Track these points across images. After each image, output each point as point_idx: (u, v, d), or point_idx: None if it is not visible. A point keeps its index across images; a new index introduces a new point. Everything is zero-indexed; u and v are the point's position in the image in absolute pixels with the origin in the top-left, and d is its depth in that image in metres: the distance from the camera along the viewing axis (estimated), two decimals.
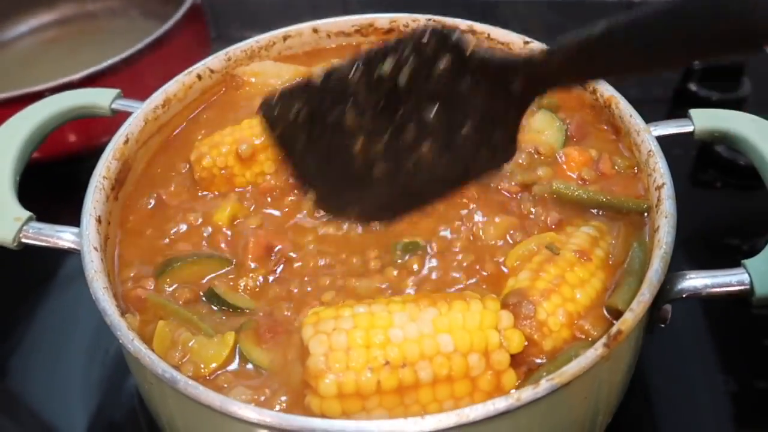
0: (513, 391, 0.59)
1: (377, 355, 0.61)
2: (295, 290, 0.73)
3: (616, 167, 0.82)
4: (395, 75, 0.66)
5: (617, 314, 0.65)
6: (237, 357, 0.68)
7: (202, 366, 0.66)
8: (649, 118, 0.84)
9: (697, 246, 1.10)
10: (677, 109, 1.34)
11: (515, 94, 0.66)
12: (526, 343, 0.64)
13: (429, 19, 1.00)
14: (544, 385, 0.57)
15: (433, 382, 0.61)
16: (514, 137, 0.69)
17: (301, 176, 0.71)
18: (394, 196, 0.70)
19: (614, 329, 0.61)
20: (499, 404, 0.57)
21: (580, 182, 0.80)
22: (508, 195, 0.80)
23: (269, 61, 0.99)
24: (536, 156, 0.84)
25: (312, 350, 0.61)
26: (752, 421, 0.90)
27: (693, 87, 1.30)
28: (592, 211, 0.78)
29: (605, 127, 0.87)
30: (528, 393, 0.57)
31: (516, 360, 0.64)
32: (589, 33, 0.59)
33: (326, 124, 0.69)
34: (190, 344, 0.67)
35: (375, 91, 0.67)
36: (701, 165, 1.21)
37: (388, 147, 0.67)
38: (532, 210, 0.78)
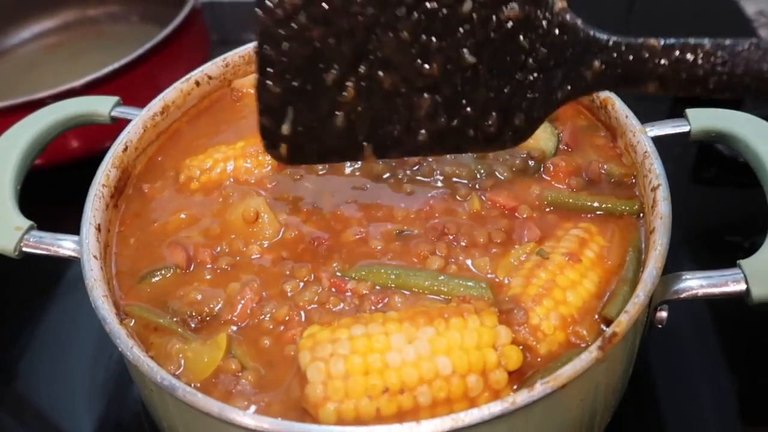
0: (508, 395, 0.59)
1: (376, 383, 0.60)
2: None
3: (605, 174, 0.81)
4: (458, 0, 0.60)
5: (611, 324, 0.64)
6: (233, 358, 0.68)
7: (199, 375, 0.67)
8: (649, 117, 0.84)
9: (699, 244, 1.10)
10: (677, 108, 1.33)
11: (582, 77, 0.61)
12: (527, 357, 0.65)
13: None
14: (539, 388, 0.58)
15: (432, 405, 0.61)
16: (538, 123, 0.65)
17: (282, 104, 0.65)
18: (384, 132, 0.65)
19: (609, 331, 0.61)
20: (494, 408, 0.57)
21: (570, 190, 0.80)
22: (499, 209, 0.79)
23: None
24: (529, 161, 0.83)
25: (310, 378, 0.61)
26: (756, 419, 0.90)
27: None
28: (584, 215, 0.78)
29: (602, 134, 0.87)
30: (523, 396, 0.58)
31: (514, 376, 0.64)
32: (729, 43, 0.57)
33: (339, 29, 0.61)
34: (183, 354, 0.67)
35: (424, 6, 0.60)
36: (702, 163, 1.20)
37: (404, 77, 0.62)
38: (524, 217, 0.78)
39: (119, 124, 0.91)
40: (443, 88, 0.64)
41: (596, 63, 0.61)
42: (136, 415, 0.93)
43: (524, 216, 0.78)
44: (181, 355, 0.68)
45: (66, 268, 1.11)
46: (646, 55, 0.60)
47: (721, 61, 0.58)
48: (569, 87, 0.63)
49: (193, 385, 0.66)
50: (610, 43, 0.61)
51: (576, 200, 0.78)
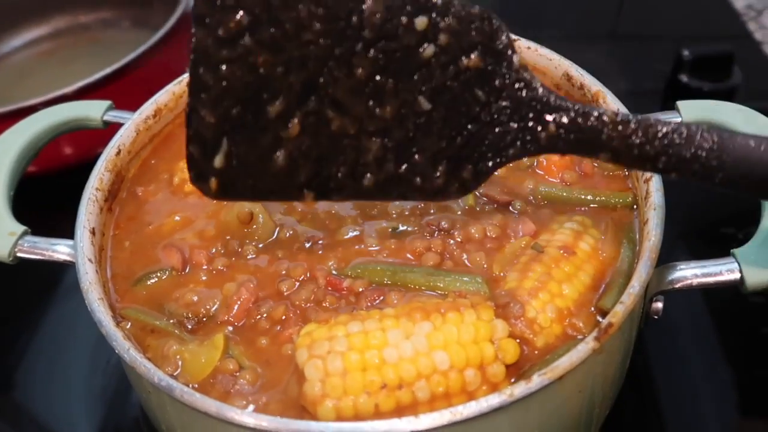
0: (506, 387, 0.59)
1: (374, 379, 0.61)
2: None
3: (598, 167, 0.82)
4: (420, 42, 0.57)
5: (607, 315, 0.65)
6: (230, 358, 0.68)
7: (196, 376, 0.67)
8: (641, 110, 0.84)
9: (694, 236, 1.10)
10: (669, 101, 1.34)
11: (536, 137, 0.60)
12: (525, 350, 0.65)
13: None
14: (537, 380, 0.58)
15: (431, 400, 0.62)
16: (485, 177, 0.63)
17: (213, 135, 0.59)
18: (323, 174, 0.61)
19: (605, 322, 0.62)
20: (493, 401, 0.57)
21: (563, 184, 0.81)
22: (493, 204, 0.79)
23: None
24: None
25: (308, 375, 0.61)
26: (753, 409, 0.91)
27: (684, 78, 1.31)
28: (578, 209, 0.78)
29: None
30: (521, 389, 0.58)
31: (511, 369, 0.64)
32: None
33: (289, 58, 0.56)
34: (180, 355, 0.67)
35: (383, 44, 0.57)
36: None
37: (354, 117, 0.59)
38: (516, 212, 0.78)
39: (111, 129, 0.91)
40: (394, 133, 0.61)
41: (552, 126, 0.60)
42: (135, 420, 0.93)
43: (518, 210, 0.78)
44: (178, 357, 0.68)
45: (61, 274, 1.11)
46: (601, 126, 0.59)
47: (671, 144, 0.58)
48: (520, 145, 0.61)
49: (191, 386, 0.66)
50: (568, 108, 0.60)
51: (570, 194, 0.79)
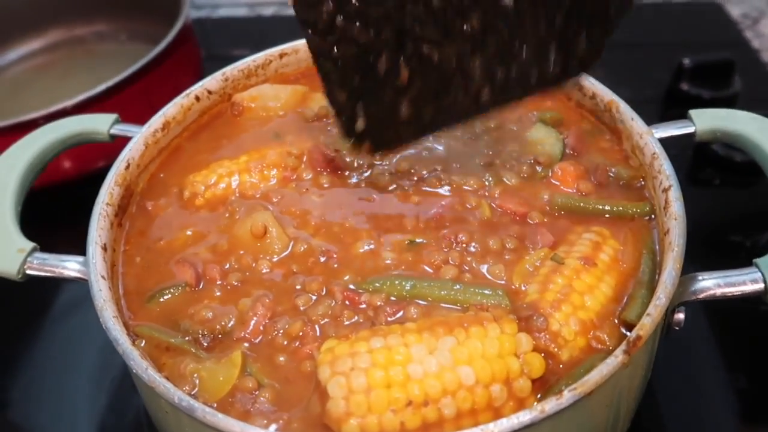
0: (536, 403, 0.59)
1: (399, 396, 0.59)
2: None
3: (613, 176, 0.82)
4: None
5: (631, 327, 0.64)
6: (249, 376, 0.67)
7: (215, 395, 0.65)
8: (643, 118, 0.84)
9: (701, 245, 1.09)
10: (670, 109, 1.35)
11: None
12: (549, 363, 0.64)
13: None
14: (567, 395, 0.57)
15: (457, 417, 0.60)
16: (602, 43, 0.65)
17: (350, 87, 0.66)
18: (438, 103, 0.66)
19: (633, 335, 0.61)
20: (524, 417, 0.56)
21: (579, 194, 0.80)
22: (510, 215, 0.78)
23: (266, 84, 0.98)
24: (536, 167, 0.83)
25: (331, 393, 0.60)
26: (762, 417, 0.90)
27: (685, 86, 1.32)
28: (595, 219, 0.77)
29: (607, 137, 0.87)
30: (552, 404, 0.57)
31: (536, 384, 0.63)
32: None
33: (375, 18, 0.63)
34: (197, 374, 0.66)
35: None
36: (699, 164, 1.21)
37: (446, 44, 0.64)
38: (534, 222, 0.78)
39: (114, 143, 0.89)
40: (489, 42, 0.64)
41: None
42: None
43: (536, 221, 0.77)
44: (195, 375, 0.66)
45: (59, 290, 1.08)
46: None
47: None
48: (620, 4, 0.64)
49: (209, 405, 0.64)
50: None
51: (586, 204, 0.78)
